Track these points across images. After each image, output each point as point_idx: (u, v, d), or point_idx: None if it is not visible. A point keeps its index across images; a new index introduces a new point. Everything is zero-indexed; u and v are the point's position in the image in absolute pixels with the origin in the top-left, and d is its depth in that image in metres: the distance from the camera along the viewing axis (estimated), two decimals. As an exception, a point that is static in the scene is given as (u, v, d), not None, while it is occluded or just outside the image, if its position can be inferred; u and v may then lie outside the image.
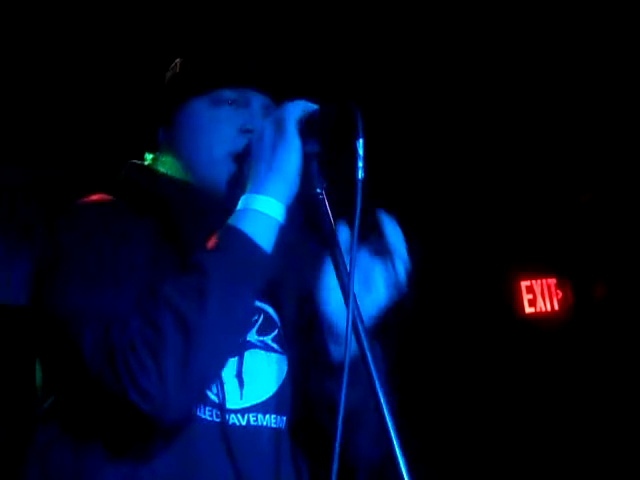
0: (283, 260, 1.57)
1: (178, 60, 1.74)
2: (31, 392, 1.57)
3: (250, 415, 1.51)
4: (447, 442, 4.65)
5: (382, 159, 2.23)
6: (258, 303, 1.60)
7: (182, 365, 1.31)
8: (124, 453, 1.40)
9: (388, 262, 1.50)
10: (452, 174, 4.83)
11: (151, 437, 1.39)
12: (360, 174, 1.36)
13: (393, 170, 4.35)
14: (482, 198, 4.99)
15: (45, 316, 1.47)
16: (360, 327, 1.36)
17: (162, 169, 1.67)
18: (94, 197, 1.59)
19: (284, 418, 1.57)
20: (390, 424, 1.30)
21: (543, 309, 5.25)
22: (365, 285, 1.50)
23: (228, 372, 1.49)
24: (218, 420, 1.46)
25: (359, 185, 1.35)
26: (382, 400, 1.31)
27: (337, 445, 1.25)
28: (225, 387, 1.48)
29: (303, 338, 1.59)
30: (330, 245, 1.44)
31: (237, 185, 1.53)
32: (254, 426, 1.51)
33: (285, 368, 1.59)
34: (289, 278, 1.65)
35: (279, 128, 1.46)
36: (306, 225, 1.57)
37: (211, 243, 1.41)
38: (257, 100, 1.65)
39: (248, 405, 1.51)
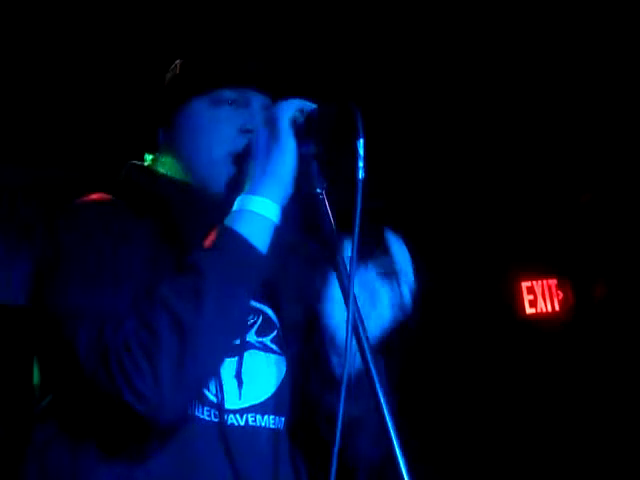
0: (282, 261, 1.57)
1: (178, 61, 1.74)
2: (30, 391, 1.57)
3: (249, 415, 1.51)
4: (447, 442, 4.65)
5: (382, 159, 2.23)
6: (257, 304, 1.60)
7: (177, 366, 1.31)
8: (120, 453, 1.40)
9: (394, 283, 1.50)
10: (452, 174, 4.83)
11: (146, 437, 1.39)
12: (360, 174, 1.36)
13: (393, 170, 4.35)
14: (482, 199, 4.99)
15: (43, 315, 1.47)
16: (363, 337, 1.36)
17: (162, 170, 1.66)
18: (94, 196, 1.59)
19: (283, 419, 1.57)
20: (390, 424, 1.30)
21: (544, 310, 5.25)
22: (370, 304, 1.51)
23: (227, 372, 1.49)
24: (216, 420, 1.46)
25: (359, 185, 1.35)
26: (382, 400, 1.31)
27: (336, 446, 1.25)
28: (224, 387, 1.48)
29: (304, 344, 1.60)
30: (330, 245, 1.44)
31: (237, 185, 1.53)
32: (252, 426, 1.51)
33: (284, 369, 1.59)
34: (288, 279, 1.65)
35: (273, 128, 1.47)
36: (306, 225, 1.57)
37: (207, 244, 1.42)
38: (257, 100, 1.65)
39: (247, 405, 1.51)
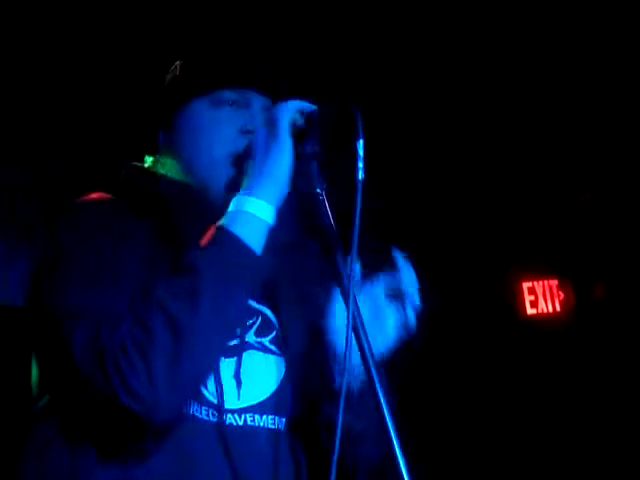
0: (281, 262, 1.57)
1: (178, 63, 1.73)
2: (28, 392, 1.57)
3: (247, 415, 1.51)
4: (447, 442, 4.65)
5: (382, 160, 2.23)
6: (257, 305, 1.61)
7: (172, 365, 1.31)
8: (119, 452, 1.40)
9: (400, 304, 1.53)
10: (453, 175, 4.83)
11: (144, 437, 1.39)
12: (360, 175, 1.36)
13: (393, 171, 4.35)
14: (483, 200, 4.99)
15: (41, 315, 1.47)
16: (363, 337, 1.36)
17: (162, 171, 1.66)
18: (94, 195, 1.59)
19: (283, 419, 1.57)
20: (390, 424, 1.30)
21: (545, 310, 5.24)
22: (376, 323, 1.52)
23: (226, 372, 1.50)
24: (214, 420, 1.47)
25: (359, 186, 1.36)
26: (382, 400, 1.31)
27: (336, 446, 1.25)
28: (223, 387, 1.48)
29: (305, 353, 1.60)
30: (330, 245, 1.44)
31: (237, 186, 1.53)
32: (251, 426, 1.51)
33: (283, 370, 1.60)
34: (288, 280, 1.66)
35: (271, 130, 1.47)
36: (306, 226, 1.57)
37: (202, 243, 1.42)
38: (257, 101, 1.65)
39: (245, 405, 1.51)
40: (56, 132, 4.13)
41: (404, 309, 1.52)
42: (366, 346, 1.35)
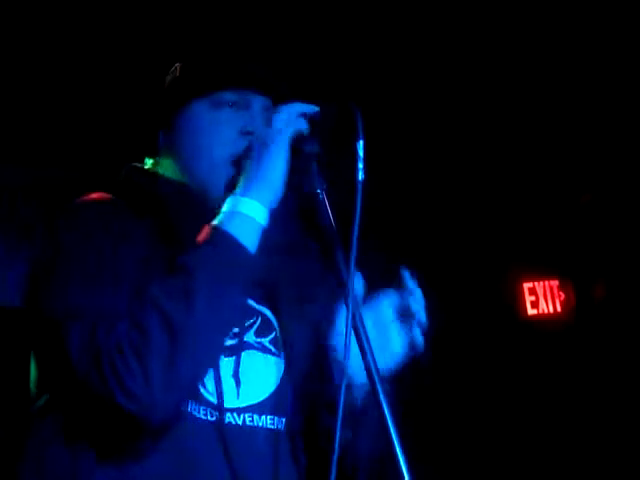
0: (281, 262, 1.57)
1: (178, 64, 1.74)
2: (27, 391, 1.57)
3: (246, 415, 1.51)
4: (447, 442, 4.65)
5: (383, 160, 2.23)
6: (256, 306, 1.61)
7: (168, 365, 1.32)
8: (118, 452, 1.40)
9: (407, 323, 1.54)
10: (453, 175, 4.83)
11: (142, 437, 1.39)
12: (360, 175, 1.36)
13: (393, 171, 4.35)
14: (483, 200, 4.99)
15: (40, 315, 1.47)
16: (363, 337, 1.36)
17: (162, 172, 1.67)
18: (94, 195, 1.59)
19: (283, 420, 1.57)
20: (390, 424, 1.30)
21: (545, 311, 5.24)
22: (382, 341, 1.53)
23: (225, 372, 1.50)
24: (213, 419, 1.46)
25: (359, 186, 1.36)
26: (382, 400, 1.31)
27: (336, 446, 1.25)
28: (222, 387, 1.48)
29: (308, 362, 1.61)
30: (330, 246, 1.44)
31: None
32: (250, 426, 1.51)
33: (282, 370, 1.60)
34: (288, 281, 1.66)
35: (270, 132, 1.47)
36: (306, 226, 1.57)
37: (197, 243, 1.42)
38: (258, 102, 1.65)
39: (244, 405, 1.51)
40: (56, 132, 4.13)
41: (411, 329, 1.53)
42: (368, 350, 1.35)
